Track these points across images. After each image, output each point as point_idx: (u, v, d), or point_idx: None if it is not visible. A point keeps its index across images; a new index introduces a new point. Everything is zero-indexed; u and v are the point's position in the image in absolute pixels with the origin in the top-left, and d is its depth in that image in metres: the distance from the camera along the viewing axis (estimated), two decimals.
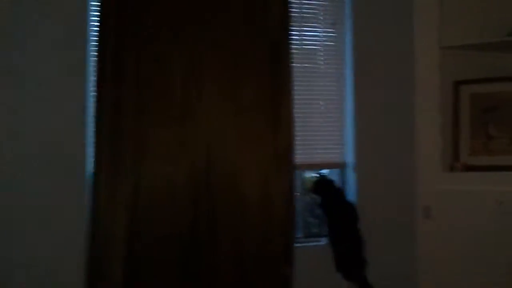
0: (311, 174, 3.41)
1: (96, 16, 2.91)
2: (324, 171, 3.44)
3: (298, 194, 3.43)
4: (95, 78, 2.88)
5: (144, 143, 2.91)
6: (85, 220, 2.86)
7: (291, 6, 3.17)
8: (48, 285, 2.88)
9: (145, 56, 2.92)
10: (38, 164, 2.88)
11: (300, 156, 3.27)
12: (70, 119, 2.94)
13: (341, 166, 3.46)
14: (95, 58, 2.88)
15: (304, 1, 3.38)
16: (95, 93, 2.88)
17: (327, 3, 3.43)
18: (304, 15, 3.38)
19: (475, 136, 3.25)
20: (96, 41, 2.89)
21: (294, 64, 3.18)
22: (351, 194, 3.41)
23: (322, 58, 3.42)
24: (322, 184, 3.28)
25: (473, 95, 3.27)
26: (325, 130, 3.42)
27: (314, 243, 3.37)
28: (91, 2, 2.99)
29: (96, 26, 2.90)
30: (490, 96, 3.24)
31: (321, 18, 3.42)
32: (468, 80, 3.29)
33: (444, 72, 3.24)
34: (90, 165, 2.91)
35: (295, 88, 3.18)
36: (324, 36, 3.42)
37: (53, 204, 2.89)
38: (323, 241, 3.32)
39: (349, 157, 3.42)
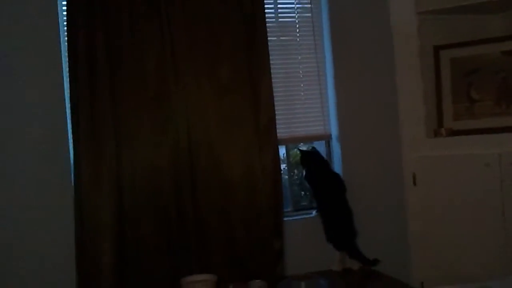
0: (298, 148, 3.41)
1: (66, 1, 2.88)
2: (313, 144, 3.45)
3: (285, 168, 3.44)
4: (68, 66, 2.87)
5: (123, 127, 2.91)
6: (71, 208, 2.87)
7: None
8: (41, 274, 2.91)
9: (117, 38, 2.90)
10: (21, 156, 2.90)
11: (283, 130, 3.28)
12: (48, 109, 2.93)
13: (325, 138, 3.45)
14: (67, 43, 2.87)
15: None
16: (70, 79, 2.87)
17: None
18: None
19: (458, 100, 3.24)
20: (67, 25, 2.87)
21: (270, 38, 3.16)
22: (337, 165, 3.41)
23: (298, 31, 3.39)
24: (307, 156, 3.27)
25: (454, 60, 3.25)
26: (307, 103, 3.40)
27: (304, 216, 3.39)
28: None
29: (66, 11, 2.87)
30: (470, 60, 3.22)
31: None
32: (448, 44, 3.26)
33: (423, 38, 3.21)
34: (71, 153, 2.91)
35: (273, 62, 3.17)
36: (300, 8, 3.38)
37: (39, 197, 2.91)
38: (313, 213, 3.33)
39: (333, 129, 3.41)
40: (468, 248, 3.06)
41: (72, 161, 2.89)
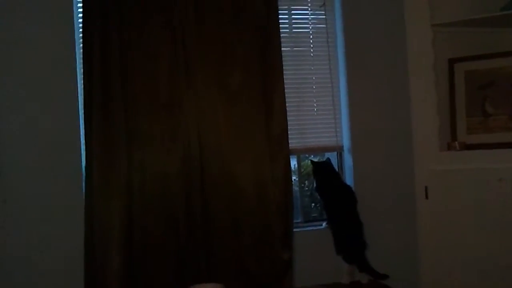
0: (310, 159, 3.39)
1: (82, 7, 2.91)
2: (324, 155, 3.43)
3: (296, 179, 3.42)
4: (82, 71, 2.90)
5: (135, 133, 2.92)
6: (81, 213, 2.88)
7: None
8: (48, 279, 2.92)
9: (131, 44, 2.92)
10: (33, 158, 2.92)
11: (295, 140, 3.28)
12: (62, 112, 2.97)
13: (337, 150, 3.44)
14: (82, 49, 2.90)
15: None
16: (84, 86, 2.89)
17: None
18: None
19: (472, 114, 3.21)
20: (82, 31, 2.90)
21: (284, 48, 3.16)
22: (349, 177, 3.39)
23: (312, 41, 3.39)
24: (318, 167, 3.26)
25: (468, 72, 3.22)
26: (319, 114, 3.40)
27: (314, 228, 3.38)
28: None
29: (82, 16, 2.90)
30: (485, 73, 3.19)
31: (310, 0, 3.39)
32: (463, 57, 3.23)
33: (438, 50, 3.18)
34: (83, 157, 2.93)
35: (287, 72, 3.17)
36: (314, 19, 3.39)
37: (50, 199, 2.93)
38: (323, 225, 3.30)
39: (345, 140, 3.40)
40: (480, 265, 3.01)
41: (83, 167, 2.91)
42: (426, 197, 3.17)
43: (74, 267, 2.87)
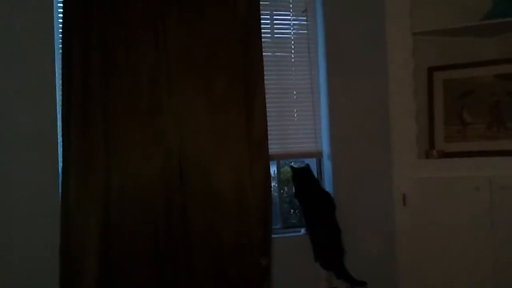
0: (290, 165, 3.39)
1: (62, 8, 2.87)
2: (304, 161, 3.43)
3: (276, 185, 3.41)
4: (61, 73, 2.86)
5: (114, 139, 2.88)
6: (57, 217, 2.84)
7: None
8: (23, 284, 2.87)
9: (112, 49, 2.88)
10: (9, 160, 2.87)
11: (275, 146, 3.27)
12: (40, 114, 2.91)
13: (317, 156, 3.43)
14: (62, 53, 2.85)
15: None
16: (62, 89, 2.84)
17: None
18: (275, 2, 3.35)
19: (450, 122, 3.25)
20: (62, 35, 2.86)
21: (265, 53, 3.16)
22: (328, 183, 3.39)
23: (293, 47, 3.39)
24: (298, 173, 3.25)
25: (447, 81, 3.26)
26: (300, 119, 3.40)
27: (293, 234, 3.36)
28: None
29: (62, 17, 2.86)
30: (464, 82, 3.23)
31: (292, 6, 3.39)
32: (442, 66, 3.27)
33: (418, 58, 3.22)
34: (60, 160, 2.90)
35: (268, 77, 3.17)
36: (295, 25, 3.39)
37: (25, 202, 2.88)
38: (302, 231, 3.30)
39: (325, 147, 3.40)
40: (457, 271, 3.05)
41: (60, 174, 2.87)
42: (404, 204, 3.20)
43: (49, 271, 2.82)
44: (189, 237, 2.97)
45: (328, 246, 3.17)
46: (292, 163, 3.43)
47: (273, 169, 3.37)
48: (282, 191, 3.48)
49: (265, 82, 3.12)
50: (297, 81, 3.39)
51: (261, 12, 3.14)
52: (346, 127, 3.35)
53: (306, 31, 3.39)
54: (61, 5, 2.90)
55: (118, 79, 2.89)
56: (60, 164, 2.88)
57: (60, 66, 2.87)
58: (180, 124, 2.97)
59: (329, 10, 3.34)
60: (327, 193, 3.27)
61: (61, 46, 2.87)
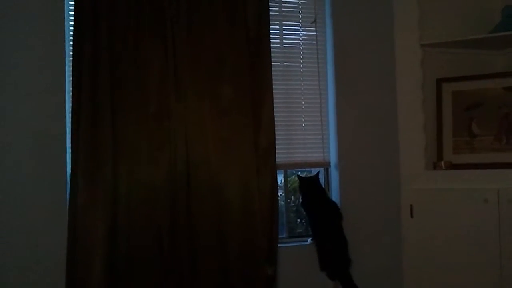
0: (297, 174, 3.39)
1: (73, 15, 2.89)
2: (311, 170, 3.43)
3: (282, 194, 3.42)
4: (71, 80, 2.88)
5: (122, 143, 2.90)
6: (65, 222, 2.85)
7: (269, 4, 3.17)
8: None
9: (121, 54, 2.91)
10: (18, 166, 2.88)
11: (282, 155, 3.27)
12: (49, 119, 2.93)
13: (324, 166, 3.44)
14: (72, 58, 2.87)
15: None
16: (72, 93, 2.86)
17: (306, 1, 3.41)
18: (284, 13, 3.37)
19: (458, 134, 3.24)
20: (73, 41, 2.88)
21: (274, 63, 3.18)
22: (335, 193, 3.39)
23: (302, 57, 3.40)
24: (305, 183, 3.26)
25: (456, 93, 3.26)
26: (308, 129, 3.41)
27: (299, 243, 3.35)
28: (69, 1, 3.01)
29: (73, 25, 2.88)
30: (472, 94, 3.23)
31: (301, 16, 3.41)
32: (450, 77, 3.27)
33: (426, 70, 3.23)
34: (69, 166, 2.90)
35: (276, 87, 3.19)
36: (304, 35, 3.41)
37: (33, 208, 2.89)
38: (308, 241, 3.30)
39: (333, 157, 3.40)
40: (464, 283, 3.03)
41: (68, 177, 2.88)
42: (412, 215, 3.18)
43: (56, 277, 2.83)
44: (195, 244, 2.97)
45: (334, 256, 3.17)
46: (300, 172, 3.43)
47: (280, 178, 3.37)
48: (289, 200, 3.48)
49: (274, 91, 3.14)
50: (305, 91, 3.40)
51: (271, 22, 3.17)
52: (353, 138, 3.36)
53: (315, 42, 3.41)
54: (72, 7, 2.92)
55: (127, 85, 2.92)
56: (69, 169, 2.89)
57: (70, 71, 2.89)
58: (188, 130, 2.98)
59: (338, 21, 3.37)
60: (334, 203, 3.28)
61: (71, 51, 2.89)
